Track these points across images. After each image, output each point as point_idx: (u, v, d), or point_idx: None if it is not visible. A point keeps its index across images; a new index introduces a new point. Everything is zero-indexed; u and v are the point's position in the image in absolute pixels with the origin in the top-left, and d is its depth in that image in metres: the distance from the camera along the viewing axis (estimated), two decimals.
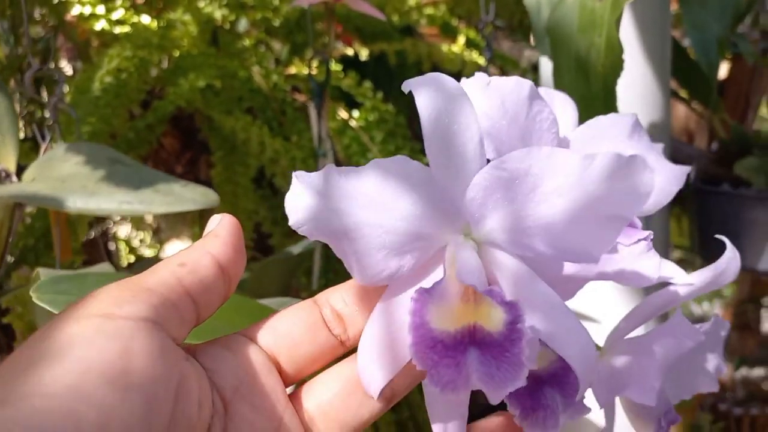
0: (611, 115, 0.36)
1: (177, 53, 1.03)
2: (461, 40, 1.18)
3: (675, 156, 0.83)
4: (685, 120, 1.19)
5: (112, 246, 1.53)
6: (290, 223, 0.27)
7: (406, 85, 0.28)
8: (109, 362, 0.23)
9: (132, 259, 1.46)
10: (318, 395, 0.30)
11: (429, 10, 1.23)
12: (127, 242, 1.51)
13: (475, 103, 0.31)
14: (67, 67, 1.37)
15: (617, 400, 0.35)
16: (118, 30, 1.00)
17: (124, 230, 1.54)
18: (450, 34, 1.25)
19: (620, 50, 0.51)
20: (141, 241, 1.52)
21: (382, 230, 0.27)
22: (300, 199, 0.27)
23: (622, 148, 0.35)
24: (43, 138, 0.62)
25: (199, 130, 1.03)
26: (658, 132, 0.74)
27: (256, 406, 0.28)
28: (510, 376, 0.25)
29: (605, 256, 0.30)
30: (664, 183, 0.35)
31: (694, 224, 0.86)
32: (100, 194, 0.57)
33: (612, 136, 0.36)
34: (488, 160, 0.28)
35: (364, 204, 0.27)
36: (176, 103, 0.91)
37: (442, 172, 0.28)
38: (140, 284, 0.26)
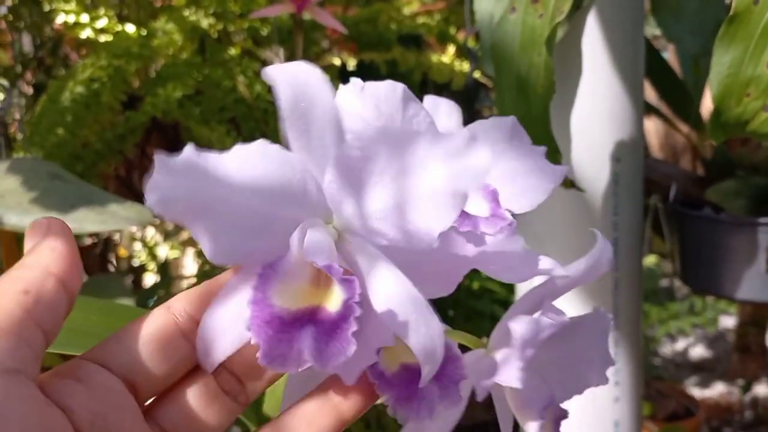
0: (492, 118, 0.37)
1: (162, 62, 1.03)
2: (451, 49, 1.15)
3: (651, 175, 0.80)
4: (667, 135, 1.15)
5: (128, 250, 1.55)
6: (147, 202, 0.26)
7: (264, 73, 0.28)
8: None
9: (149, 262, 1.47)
10: (174, 412, 0.29)
11: (423, 19, 1.21)
12: (145, 243, 1.52)
13: (350, 107, 0.32)
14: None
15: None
16: (103, 38, 1.00)
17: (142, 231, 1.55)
18: (446, 42, 1.23)
19: (552, 72, 0.48)
20: (153, 244, 1.53)
21: (239, 210, 0.27)
22: (158, 179, 0.26)
23: (501, 149, 0.36)
24: None
25: (182, 140, 1.02)
26: (628, 149, 0.71)
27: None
28: (336, 351, 0.26)
29: (472, 247, 0.30)
30: (541, 182, 0.35)
31: (673, 246, 0.82)
32: (33, 211, 0.57)
33: (492, 138, 0.36)
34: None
35: (222, 184, 0.27)
36: (151, 114, 0.91)
37: (303, 156, 0.28)
38: None
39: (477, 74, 1.07)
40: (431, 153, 0.26)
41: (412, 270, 0.28)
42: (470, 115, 1.22)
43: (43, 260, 0.27)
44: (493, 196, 0.33)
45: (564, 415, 0.34)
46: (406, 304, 0.27)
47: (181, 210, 0.27)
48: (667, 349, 1.98)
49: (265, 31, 1.10)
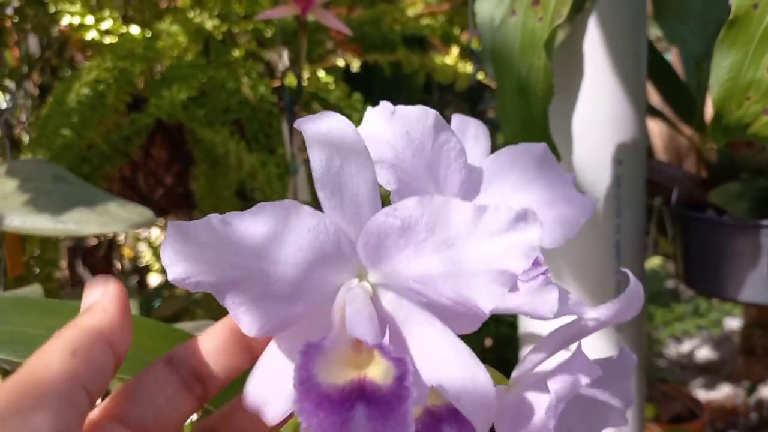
0: (522, 145, 0.36)
1: (166, 63, 1.03)
2: (455, 51, 1.15)
3: (655, 177, 0.80)
4: (671, 139, 1.14)
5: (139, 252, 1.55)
6: (169, 278, 0.25)
7: (298, 124, 0.27)
8: None
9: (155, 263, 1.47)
10: None
11: (427, 21, 1.21)
12: (150, 243, 1.53)
13: (379, 132, 0.31)
14: None
15: None
16: (107, 40, 1.01)
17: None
18: (450, 44, 1.23)
19: (551, 75, 0.48)
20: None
21: (270, 279, 0.26)
22: (178, 252, 0.25)
23: (530, 177, 0.35)
24: None
25: (186, 142, 1.03)
26: (630, 153, 0.71)
27: None
28: (390, 418, 0.25)
29: (506, 295, 0.30)
30: (572, 215, 0.35)
31: (677, 248, 0.82)
32: (36, 213, 0.57)
33: (521, 165, 0.35)
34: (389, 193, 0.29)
35: (249, 253, 0.26)
36: (156, 116, 0.91)
37: (335, 216, 0.27)
38: (38, 385, 0.25)
39: (481, 76, 1.07)
40: (475, 228, 0.26)
41: (440, 311, 0.27)
42: (474, 116, 1.22)
43: (95, 322, 0.27)
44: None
45: None
46: (455, 362, 0.27)
47: (208, 283, 0.26)
48: (672, 351, 1.97)
49: (269, 33, 1.10)
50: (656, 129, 1.20)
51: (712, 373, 1.86)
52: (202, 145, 0.97)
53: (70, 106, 0.84)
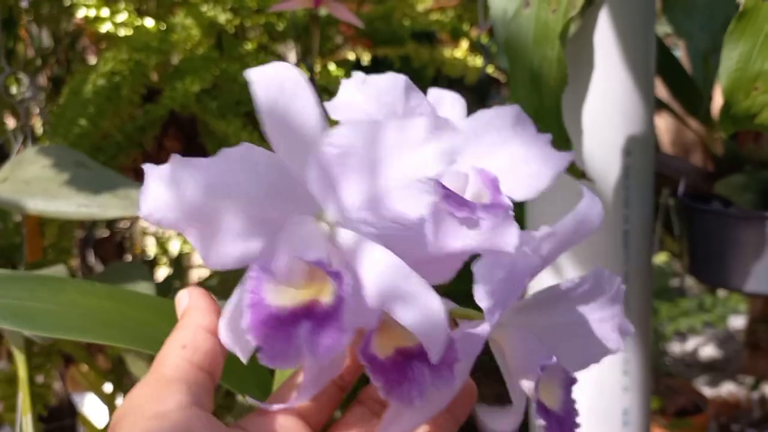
0: (495, 107, 0.37)
1: (181, 56, 1.04)
2: (464, 45, 1.16)
3: (662, 170, 0.81)
4: (678, 132, 1.15)
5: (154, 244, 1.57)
6: (140, 214, 0.28)
7: (246, 74, 0.29)
8: None
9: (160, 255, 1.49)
10: None
11: (436, 16, 1.22)
12: (157, 238, 1.54)
13: (351, 99, 0.33)
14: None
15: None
16: (122, 33, 1.02)
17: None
18: (459, 38, 1.24)
19: (565, 66, 0.50)
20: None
21: (228, 215, 0.28)
22: (148, 190, 0.28)
23: (507, 137, 0.36)
24: (17, 140, 0.64)
25: (199, 134, 1.04)
26: (640, 144, 0.72)
27: None
28: (330, 342, 0.27)
29: (465, 231, 0.31)
30: (543, 168, 0.35)
31: (683, 240, 0.83)
32: (59, 197, 0.59)
33: (496, 126, 0.36)
34: None
35: (209, 191, 0.28)
36: (169, 107, 0.93)
37: (285, 156, 0.29)
38: (164, 378, 0.30)
39: (490, 69, 1.08)
40: (399, 142, 0.27)
41: (409, 258, 0.29)
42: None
43: (192, 319, 0.32)
44: (493, 184, 0.34)
45: (573, 381, 0.33)
46: (400, 283, 0.28)
47: (173, 218, 0.28)
48: (676, 348, 1.98)
49: (281, 27, 1.12)
50: (663, 125, 1.21)
51: (716, 370, 1.87)
52: (214, 136, 0.98)
53: (87, 96, 0.85)
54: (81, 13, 1.03)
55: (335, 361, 0.32)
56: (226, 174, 0.28)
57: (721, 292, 1.72)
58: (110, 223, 1.49)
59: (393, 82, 0.33)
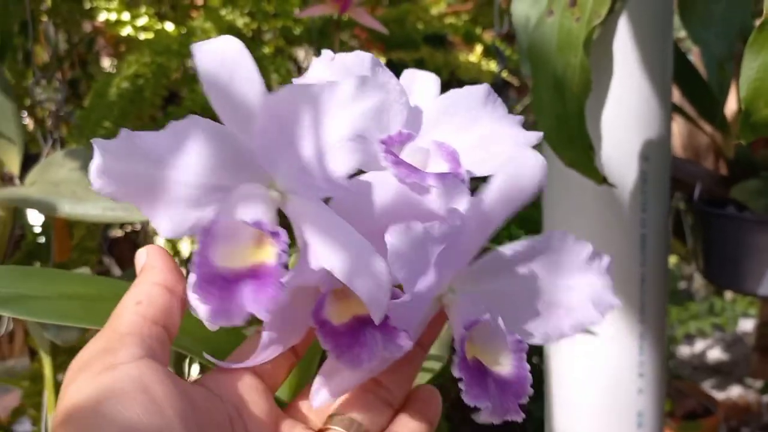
0: (466, 87, 0.37)
1: None
2: (478, 49, 1.18)
3: (676, 174, 0.82)
4: (690, 136, 1.16)
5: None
6: (93, 188, 0.29)
7: (192, 49, 0.30)
8: (138, 402, 0.27)
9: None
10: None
11: (450, 20, 1.23)
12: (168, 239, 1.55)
13: (320, 77, 0.33)
14: (113, 65, 1.43)
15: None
16: (143, 36, 1.04)
17: None
18: (472, 42, 1.26)
19: (589, 72, 0.51)
20: None
21: (179, 185, 0.29)
22: (98, 164, 0.28)
23: (477, 115, 0.36)
24: (46, 142, 0.65)
25: None
26: (656, 149, 0.73)
27: (262, 408, 0.32)
28: (267, 297, 0.28)
29: (419, 198, 0.31)
30: (510, 145, 0.35)
31: (697, 244, 0.84)
32: (87, 200, 0.60)
33: (466, 104, 0.36)
34: None
35: (158, 162, 0.29)
36: (190, 109, 0.94)
37: (232, 127, 0.30)
38: (117, 332, 0.30)
39: (504, 73, 1.09)
40: (328, 103, 0.28)
41: (364, 228, 0.29)
42: None
43: (148, 276, 0.32)
44: (453, 157, 0.33)
45: (523, 347, 0.32)
46: (344, 247, 0.28)
47: (124, 191, 0.29)
48: (684, 351, 1.99)
49: (297, 31, 1.13)
50: (675, 128, 1.22)
51: (724, 374, 1.88)
52: None
53: (111, 99, 0.87)
54: (102, 17, 1.05)
55: (295, 328, 0.32)
56: (174, 145, 0.29)
57: (729, 295, 1.73)
58: (123, 224, 1.50)
59: (359, 59, 0.34)
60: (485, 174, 0.33)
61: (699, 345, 2.04)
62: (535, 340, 0.34)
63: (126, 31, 1.03)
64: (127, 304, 0.31)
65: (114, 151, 0.28)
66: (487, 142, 0.35)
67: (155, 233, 1.62)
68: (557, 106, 0.55)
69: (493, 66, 1.11)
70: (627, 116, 0.71)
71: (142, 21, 1.03)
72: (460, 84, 1.15)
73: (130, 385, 0.27)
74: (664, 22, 0.72)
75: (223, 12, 1.08)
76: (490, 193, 0.31)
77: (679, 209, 1.05)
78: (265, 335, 0.32)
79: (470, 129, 0.35)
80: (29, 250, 0.71)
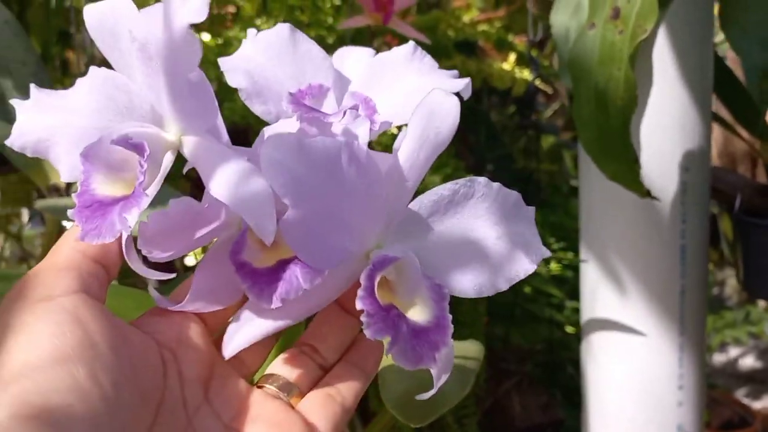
0: (395, 48, 0.37)
1: None
2: (512, 57, 1.17)
3: (715, 184, 0.81)
4: (725, 143, 1.15)
5: None
6: (7, 142, 0.31)
7: (83, 13, 0.32)
8: (71, 332, 0.27)
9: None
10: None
11: (483, 27, 1.23)
12: None
13: (243, 51, 0.35)
14: None
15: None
16: None
17: None
18: (505, 49, 1.25)
19: (634, 87, 0.51)
20: None
21: (81, 131, 0.31)
22: (16, 121, 0.31)
23: (403, 72, 0.36)
24: None
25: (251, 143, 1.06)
26: (697, 160, 0.72)
27: (198, 352, 0.32)
28: (132, 211, 0.29)
29: (313, 132, 0.32)
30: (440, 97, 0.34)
31: (737, 255, 0.83)
32: None
33: (392, 63, 0.37)
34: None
35: (63, 111, 0.31)
36: (230, 120, 0.95)
37: (125, 73, 0.31)
38: (55, 266, 0.30)
39: (537, 81, 1.09)
40: (168, 25, 0.28)
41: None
42: (529, 120, 1.24)
43: None
44: (366, 102, 0.34)
45: (444, 295, 0.30)
46: (229, 173, 0.29)
47: (33, 140, 0.31)
48: (717, 359, 1.96)
49: (331, 40, 1.14)
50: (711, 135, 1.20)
51: (756, 382, 1.85)
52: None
53: None
54: None
55: (227, 283, 0.32)
56: (76, 95, 0.31)
57: (762, 303, 1.70)
58: None
59: (277, 31, 0.36)
60: (403, 122, 0.33)
61: (733, 352, 2.01)
62: (469, 293, 0.32)
63: None
64: (67, 239, 0.31)
65: (27, 108, 0.31)
66: (412, 94, 0.35)
67: None
68: (600, 119, 0.54)
69: (526, 74, 1.11)
70: (667, 127, 0.71)
71: None
72: (495, 92, 1.14)
73: (64, 317, 0.27)
74: (704, 32, 0.71)
75: (258, 22, 1.09)
76: (405, 139, 0.30)
77: (713, 214, 1.04)
78: (193, 285, 0.32)
79: (396, 85, 0.36)
80: None
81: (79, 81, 0.32)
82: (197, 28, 1.06)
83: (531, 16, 0.90)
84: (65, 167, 0.32)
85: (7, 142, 0.31)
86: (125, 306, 0.43)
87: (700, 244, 0.74)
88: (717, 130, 1.20)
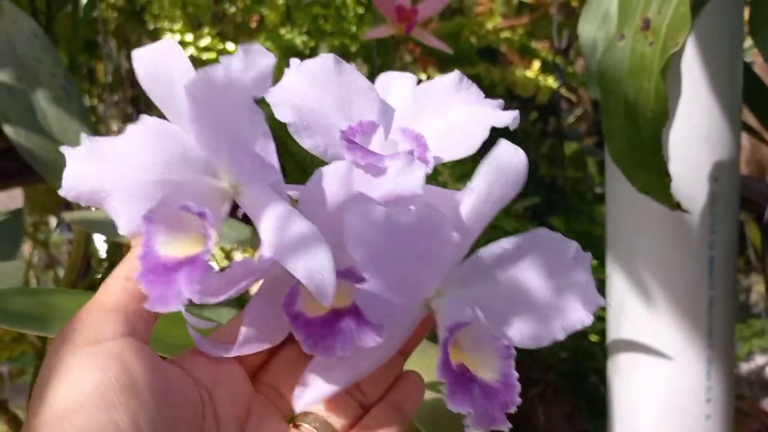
0: (438, 77, 0.37)
1: None
2: (536, 64, 1.17)
3: (744, 194, 0.80)
4: (753, 151, 1.13)
5: None
6: (61, 192, 0.31)
7: (132, 57, 0.31)
8: (116, 378, 0.27)
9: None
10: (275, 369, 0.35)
11: (506, 34, 1.23)
12: (222, 248, 1.58)
13: (287, 82, 0.35)
14: None
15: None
16: (205, 56, 1.06)
17: None
18: (527, 56, 1.25)
19: (665, 99, 0.50)
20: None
21: (135, 183, 0.30)
22: (66, 169, 0.30)
23: (448, 102, 0.36)
24: None
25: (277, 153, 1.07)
26: (726, 170, 0.71)
27: (235, 391, 0.32)
28: (197, 277, 0.28)
29: (370, 179, 0.31)
30: (479, 126, 0.34)
31: (766, 263, 0.82)
32: None
33: (437, 93, 0.36)
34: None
35: (117, 163, 0.30)
36: None
37: (179, 124, 0.31)
38: (103, 307, 0.30)
39: (562, 89, 1.08)
40: (226, 82, 0.28)
41: (329, 223, 0.29)
42: (555, 127, 1.24)
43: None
44: (418, 141, 0.34)
45: (511, 353, 0.31)
46: (288, 234, 0.28)
47: (88, 191, 0.30)
48: (744, 368, 1.93)
49: (354, 48, 1.14)
50: None
51: None
52: (293, 157, 1.01)
53: None
54: (166, 38, 1.07)
55: (277, 324, 0.32)
56: (127, 146, 0.30)
57: None
58: None
59: (323, 62, 0.35)
60: (458, 157, 0.33)
61: (760, 361, 1.98)
62: (527, 344, 0.33)
63: (189, 51, 1.06)
64: (117, 278, 0.31)
65: (79, 157, 0.30)
66: (459, 126, 0.34)
67: None
68: (629, 132, 0.54)
69: (551, 81, 1.10)
70: (696, 136, 0.70)
71: (205, 42, 1.06)
72: (517, 99, 1.14)
73: (109, 362, 0.27)
74: (734, 38, 0.70)
75: (282, 31, 1.10)
76: (473, 193, 0.30)
77: (740, 221, 1.02)
78: (243, 330, 0.32)
79: (442, 116, 0.35)
80: (95, 275, 0.73)
81: (131, 129, 0.31)
82: (222, 36, 1.06)
83: (556, 23, 0.90)
84: (123, 221, 0.31)
85: (61, 192, 0.30)
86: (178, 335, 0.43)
87: (729, 255, 0.73)
88: (744, 138, 1.18)
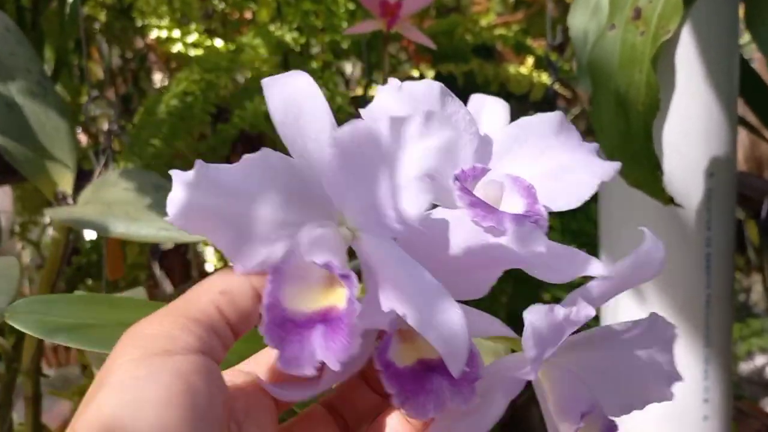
0: (539, 114, 0.35)
1: (248, 75, 1.06)
2: (530, 61, 1.15)
3: (741, 190, 0.78)
4: (752, 147, 1.12)
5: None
6: (167, 219, 0.28)
7: (263, 84, 0.29)
8: (178, 399, 0.26)
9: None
10: None
11: (500, 31, 1.21)
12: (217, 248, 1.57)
13: (387, 107, 0.32)
14: (164, 79, 1.45)
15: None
16: (192, 52, 1.04)
17: None
18: (522, 53, 1.23)
19: (656, 90, 0.48)
20: None
21: (250, 219, 0.28)
22: (173, 195, 0.28)
23: (550, 144, 0.34)
24: (98, 162, 0.65)
25: None
26: (722, 166, 0.69)
27: (261, 425, 0.31)
28: (340, 347, 0.26)
29: (490, 240, 0.30)
30: (586, 177, 0.33)
31: (764, 261, 0.80)
32: (141, 220, 0.60)
33: (537, 133, 0.34)
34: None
35: (232, 195, 0.28)
36: (239, 127, 0.94)
37: (302, 162, 0.29)
38: (186, 314, 0.28)
39: (556, 85, 1.06)
40: (395, 143, 0.27)
41: (437, 269, 0.28)
42: None
43: (243, 273, 0.30)
44: (529, 192, 0.32)
45: (613, 427, 0.32)
46: (420, 294, 0.27)
47: (197, 222, 0.28)
48: (744, 368, 1.92)
49: (345, 45, 1.12)
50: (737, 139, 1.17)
51: None
52: (283, 153, 1.00)
53: (161, 116, 0.87)
54: (153, 34, 1.06)
55: (355, 362, 0.31)
56: (246, 179, 0.28)
57: None
58: None
59: (428, 89, 0.33)
60: (560, 208, 0.32)
61: (759, 361, 1.96)
62: (612, 415, 0.34)
63: (176, 47, 1.04)
64: (211, 288, 0.29)
65: (193, 185, 0.27)
66: (561, 172, 0.33)
67: (206, 243, 1.63)
68: (620, 124, 0.52)
69: (544, 78, 1.08)
70: (691, 132, 0.68)
71: (192, 38, 1.04)
72: (513, 97, 1.12)
73: (174, 381, 0.26)
74: (730, 32, 0.69)
75: (272, 28, 1.08)
76: (607, 282, 0.31)
77: (739, 220, 1.01)
78: (327, 375, 0.31)
79: (542, 159, 0.34)
80: (79, 266, 0.71)
81: (250, 161, 0.28)
82: (210, 32, 1.04)
83: (550, 19, 0.88)
84: (235, 256, 0.29)
85: (169, 220, 0.28)
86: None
87: (726, 252, 0.72)
88: (743, 134, 1.17)
